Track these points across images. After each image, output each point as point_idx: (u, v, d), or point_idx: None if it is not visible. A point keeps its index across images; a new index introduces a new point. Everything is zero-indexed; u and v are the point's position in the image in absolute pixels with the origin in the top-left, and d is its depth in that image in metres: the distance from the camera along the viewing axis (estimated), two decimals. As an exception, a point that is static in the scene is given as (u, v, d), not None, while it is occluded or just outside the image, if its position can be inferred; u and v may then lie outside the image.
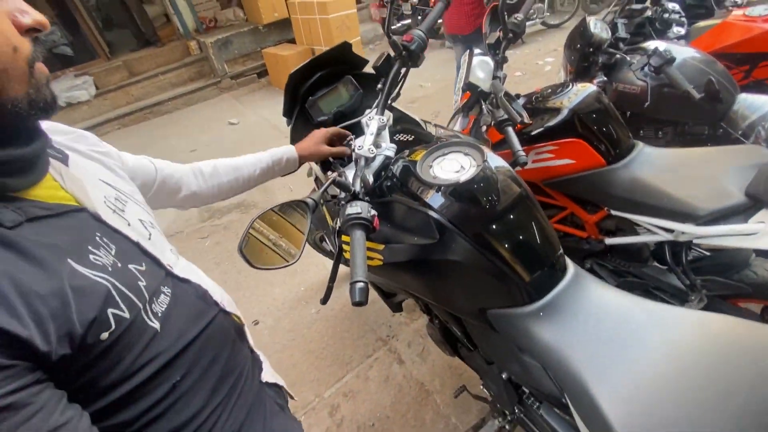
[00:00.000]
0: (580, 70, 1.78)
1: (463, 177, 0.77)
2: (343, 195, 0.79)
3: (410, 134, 1.19)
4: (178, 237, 2.77)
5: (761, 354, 0.57)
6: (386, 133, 0.99)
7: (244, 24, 5.63)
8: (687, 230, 1.06)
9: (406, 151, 0.94)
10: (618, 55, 1.66)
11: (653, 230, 1.20)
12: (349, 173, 0.94)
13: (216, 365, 0.58)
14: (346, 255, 0.97)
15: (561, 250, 0.81)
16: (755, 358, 0.57)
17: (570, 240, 1.55)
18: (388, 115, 1.07)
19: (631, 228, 1.34)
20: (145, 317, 0.48)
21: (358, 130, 1.10)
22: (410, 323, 1.86)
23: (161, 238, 0.60)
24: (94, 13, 5.96)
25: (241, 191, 0.95)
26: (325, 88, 1.12)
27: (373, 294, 1.40)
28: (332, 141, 1.04)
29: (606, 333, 0.71)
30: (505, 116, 1.24)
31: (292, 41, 5.37)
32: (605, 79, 1.70)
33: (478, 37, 3.11)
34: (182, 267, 0.61)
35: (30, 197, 0.43)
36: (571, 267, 0.81)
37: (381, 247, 0.89)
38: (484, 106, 1.39)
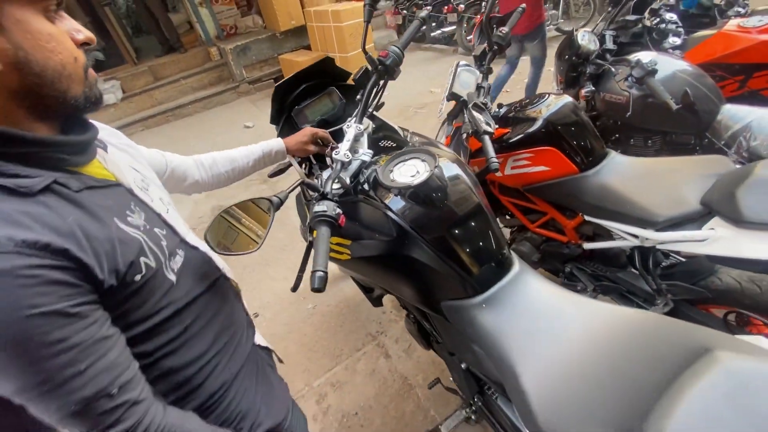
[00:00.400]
0: (570, 80, 1.84)
1: (416, 181, 0.85)
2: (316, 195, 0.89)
3: (391, 141, 1.28)
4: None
5: (657, 340, 0.63)
6: (364, 140, 1.08)
7: (263, 31, 5.86)
8: (647, 235, 1.11)
9: (380, 156, 1.03)
10: (605, 66, 1.70)
11: (623, 236, 1.24)
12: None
13: (218, 318, 0.70)
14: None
15: (506, 249, 0.89)
16: (651, 344, 0.63)
17: (552, 244, 1.60)
18: (367, 123, 1.16)
19: (608, 234, 1.39)
20: (165, 270, 0.60)
21: (340, 137, 1.20)
22: (399, 321, 1.94)
23: (176, 214, 0.73)
24: (124, 20, 6.33)
25: (238, 179, 1.08)
26: (311, 98, 1.22)
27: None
28: (317, 142, 1.14)
29: (539, 324, 0.78)
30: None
31: (308, 48, 5.55)
32: (593, 88, 1.75)
33: (535, 36, 3.20)
34: (192, 238, 0.73)
35: (85, 173, 0.55)
36: (517, 264, 0.89)
37: (349, 242, 0.98)
38: (466, 115, 1.46)
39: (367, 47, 1.15)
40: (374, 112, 1.28)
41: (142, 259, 0.55)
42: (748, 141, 1.45)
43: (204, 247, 0.74)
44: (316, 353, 1.87)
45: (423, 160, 0.92)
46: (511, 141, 1.41)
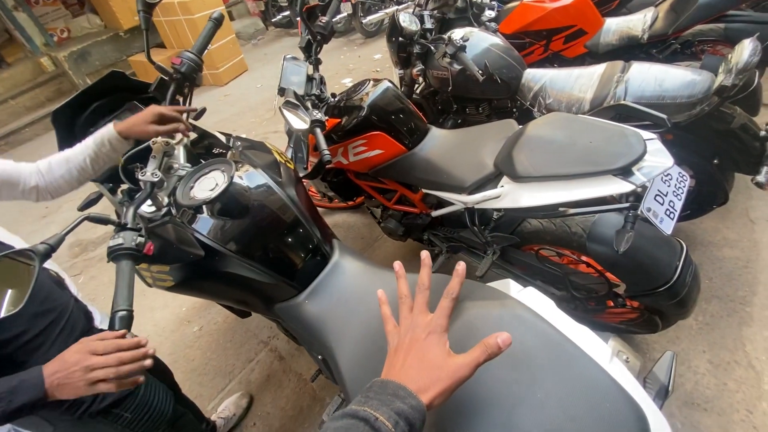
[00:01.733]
0: (402, 60, 1.94)
1: (214, 194, 0.84)
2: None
3: (217, 148, 1.23)
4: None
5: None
6: (180, 153, 1.02)
7: (103, 31, 5.12)
8: (462, 199, 1.26)
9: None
10: (428, 45, 1.83)
11: (451, 201, 1.39)
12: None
13: (33, 302, 0.73)
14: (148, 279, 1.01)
15: (324, 241, 0.93)
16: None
17: (409, 217, 1.72)
18: (179, 136, 1.10)
19: (448, 201, 1.53)
20: None
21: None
22: (289, 320, 1.94)
23: None
24: None
25: (84, 180, 0.97)
26: (109, 117, 1.12)
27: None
28: (164, 120, 0.95)
29: (350, 306, 0.84)
30: (315, 118, 1.31)
31: (162, 46, 5.00)
32: (423, 67, 1.88)
33: None
34: (7, 237, 0.86)
35: None
36: (336, 252, 0.94)
37: (167, 268, 0.94)
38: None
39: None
40: (191, 121, 1.22)
41: None
42: (544, 99, 1.69)
43: (18, 244, 0.84)
44: (207, 375, 1.80)
45: (222, 171, 0.91)
46: (346, 129, 1.46)
